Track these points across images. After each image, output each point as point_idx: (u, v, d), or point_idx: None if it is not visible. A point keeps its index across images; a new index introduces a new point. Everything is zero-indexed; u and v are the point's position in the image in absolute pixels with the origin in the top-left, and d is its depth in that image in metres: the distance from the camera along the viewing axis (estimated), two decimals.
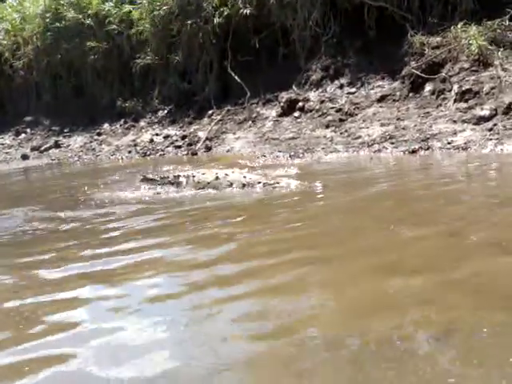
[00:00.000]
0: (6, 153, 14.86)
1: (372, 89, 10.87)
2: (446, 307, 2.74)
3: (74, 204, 6.49)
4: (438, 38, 10.38)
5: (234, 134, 11.61)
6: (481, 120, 8.58)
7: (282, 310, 2.89)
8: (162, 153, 11.78)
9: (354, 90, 11.12)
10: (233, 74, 12.78)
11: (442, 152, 7.96)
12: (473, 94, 9.15)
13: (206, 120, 12.66)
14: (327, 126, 10.33)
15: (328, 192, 5.82)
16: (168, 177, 7.07)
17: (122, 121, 14.30)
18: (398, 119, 9.59)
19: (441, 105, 9.51)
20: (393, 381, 2.17)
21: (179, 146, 11.87)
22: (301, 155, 9.12)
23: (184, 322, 2.90)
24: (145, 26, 13.88)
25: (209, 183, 6.54)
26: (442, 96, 9.65)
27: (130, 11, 14.22)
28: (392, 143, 8.78)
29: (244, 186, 6.37)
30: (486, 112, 8.65)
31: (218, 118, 12.35)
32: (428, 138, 8.53)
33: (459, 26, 10.10)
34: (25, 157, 13.90)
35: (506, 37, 9.79)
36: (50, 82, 16.40)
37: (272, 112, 11.72)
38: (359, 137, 9.46)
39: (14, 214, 6.11)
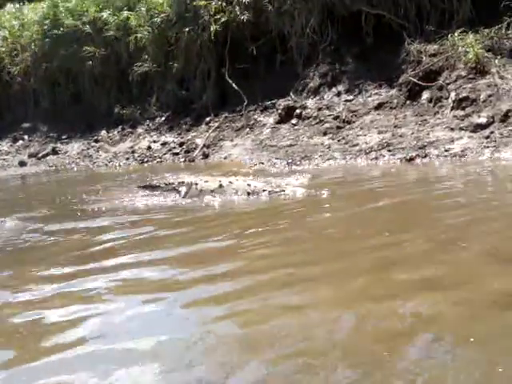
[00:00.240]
0: (4, 159, 14.82)
1: (369, 96, 10.87)
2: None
3: (71, 213, 6.42)
4: (435, 46, 10.40)
5: (232, 141, 11.60)
6: (478, 128, 8.59)
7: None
8: (159, 160, 11.77)
9: (351, 97, 11.12)
10: (230, 82, 12.77)
11: (440, 160, 7.97)
12: (470, 102, 9.17)
13: (203, 127, 12.65)
14: (325, 134, 10.33)
15: (335, 201, 5.75)
16: (173, 183, 6.95)
17: (119, 127, 14.28)
18: (395, 127, 9.60)
19: (438, 112, 9.52)
20: None
21: (177, 153, 11.85)
22: (298, 162, 9.12)
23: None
24: (143, 33, 13.88)
25: (212, 191, 6.44)
26: (439, 104, 9.66)
27: (128, 18, 14.22)
28: (389, 151, 8.78)
29: (249, 194, 6.27)
30: (483, 120, 8.66)
31: (216, 125, 12.34)
32: (425, 146, 8.54)
33: (456, 33, 10.12)
34: (22, 163, 13.87)
35: (503, 45, 9.82)
36: (48, 89, 16.37)
37: (269, 119, 11.72)
38: (357, 144, 9.46)
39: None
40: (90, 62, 14.90)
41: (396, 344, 2.52)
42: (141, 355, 2.68)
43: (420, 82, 10.12)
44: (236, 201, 6.21)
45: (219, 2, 12.67)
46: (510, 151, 7.63)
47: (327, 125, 10.52)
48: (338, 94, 11.38)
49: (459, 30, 10.14)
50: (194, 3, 12.93)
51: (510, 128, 8.30)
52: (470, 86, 9.43)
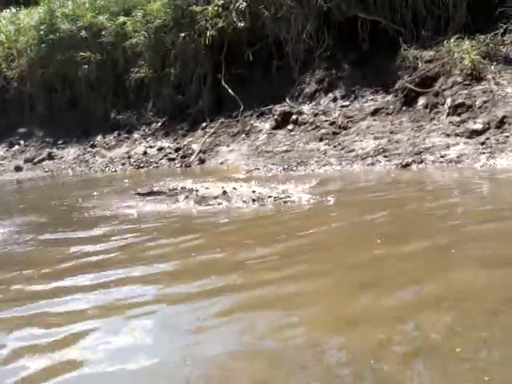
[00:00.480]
0: (0, 164, 14.81)
1: (365, 102, 10.88)
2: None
3: (66, 222, 6.35)
4: (431, 52, 10.42)
5: (228, 146, 11.59)
6: (473, 134, 8.60)
7: None
8: (155, 165, 11.77)
9: (347, 103, 11.13)
10: (226, 87, 12.77)
11: (435, 165, 7.97)
12: (466, 108, 9.18)
13: (199, 132, 12.64)
14: (321, 139, 10.33)
15: (340, 208, 5.69)
16: (176, 189, 6.77)
17: (115, 133, 14.26)
18: (391, 132, 9.60)
19: (434, 118, 9.52)
20: None
21: (173, 159, 11.85)
22: (294, 168, 9.12)
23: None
24: (139, 39, 13.89)
25: (216, 197, 6.19)
26: (435, 110, 9.66)
27: (125, 23, 14.23)
28: (385, 156, 8.78)
29: (254, 200, 6.04)
30: (478, 126, 8.67)
31: (212, 130, 12.33)
32: (421, 152, 8.54)
33: (452, 40, 10.13)
34: (18, 168, 13.85)
35: (499, 51, 9.84)
36: (44, 94, 16.35)
37: (266, 125, 11.71)
38: (353, 150, 9.46)
39: None
40: (87, 67, 14.89)
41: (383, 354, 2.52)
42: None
43: (416, 88, 10.13)
44: (242, 208, 5.99)
45: (215, 8, 12.68)
46: (506, 157, 7.64)
47: (323, 130, 10.52)
48: (334, 100, 11.38)
49: (455, 36, 10.15)
50: (191, 8, 12.94)
51: (505, 134, 8.31)
52: (465, 92, 9.44)
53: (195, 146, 11.98)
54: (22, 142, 16.02)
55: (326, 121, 10.79)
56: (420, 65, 10.34)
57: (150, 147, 13.02)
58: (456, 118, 9.13)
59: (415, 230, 4.74)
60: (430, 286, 3.25)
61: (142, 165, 11.96)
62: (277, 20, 12.17)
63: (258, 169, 9.45)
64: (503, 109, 8.77)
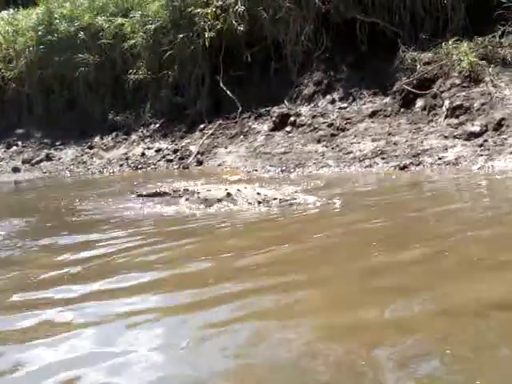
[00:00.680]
0: None
1: (363, 104, 10.88)
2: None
3: (63, 224, 6.29)
4: (430, 54, 10.43)
5: (226, 148, 11.58)
6: (471, 136, 8.61)
7: None
8: (153, 166, 11.75)
9: (345, 105, 11.13)
10: (225, 89, 12.77)
11: (433, 168, 7.98)
12: (464, 110, 9.19)
13: (197, 134, 12.63)
14: (319, 141, 10.32)
15: (347, 211, 5.63)
16: (179, 190, 6.67)
17: (113, 134, 14.24)
18: (389, 134, 9.60)
19: (432, 120, 9.53)
20: None
21: (171, 160, 11.83)
22: (292, 170, 9.11)
23: None
24: (137, 40, 13.88)
25: (220, 200, 6.03)
26: (433, 112, 9.68)
27: (123, 24, 14.21)
28: (383, 158, 8.79)
29: (260, 202, 5.90)
30: (476, 128, 8.68)
31: (210, 132, 12.32)
32: (419, 154, 8.55)
33: (450, 42, 10.16)
34: (16, 169, 13.82)
35: (497, 53, 9.85)
36: (42, 95, 16.32)
37: (264, 126, 11.70)
38: (350, 152, 9.46)
39: None
40: (85, 69, 14.87)
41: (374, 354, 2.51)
42: None
43: (414, 90, 10.14)
44: (248, 210, 5.84)
45: (214, 10, 12.68)
46: (504, 159, 7.65)
47: (321, 132, 10.52)
48: (333, 102, 11.38)
49: (453, 39, 10.17)
50: (189, 10, 12.94)
51: (503, 136, 8.32)
52: (463, 94, 9.46)
53: (193, 148, 11.97)
54: (19, 143, 15.99)
55: (324, 123, 10.80)
56: (418, 67, 10.35)
57: (148, 148, 13.01)
58: (454, 120, 9.15)
59: (419, 235, 4.68)
60: (427, 293, 3.23)
61: (139, 166, 11.94)
62: (275, 22, 12.17)
63: (256, 170, 9.45)
64: (501, 111, 8.78)
